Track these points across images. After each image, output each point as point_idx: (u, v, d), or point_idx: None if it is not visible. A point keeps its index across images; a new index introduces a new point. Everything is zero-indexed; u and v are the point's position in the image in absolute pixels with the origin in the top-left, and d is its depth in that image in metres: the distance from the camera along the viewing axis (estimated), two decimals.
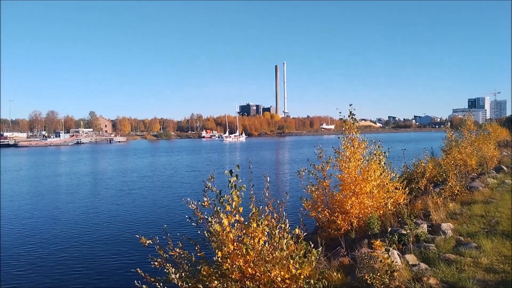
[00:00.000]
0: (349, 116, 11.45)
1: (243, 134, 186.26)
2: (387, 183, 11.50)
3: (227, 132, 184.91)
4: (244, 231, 5.84)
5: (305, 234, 6.66)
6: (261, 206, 6.07)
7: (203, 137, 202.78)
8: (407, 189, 12.33)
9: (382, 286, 5.95)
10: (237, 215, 5.82)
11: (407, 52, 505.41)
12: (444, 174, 14.99)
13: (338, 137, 11.79)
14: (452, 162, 16.43)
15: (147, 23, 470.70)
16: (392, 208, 11.29)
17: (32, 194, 30.78)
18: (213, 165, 51.49)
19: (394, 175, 12.42)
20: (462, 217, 10.45)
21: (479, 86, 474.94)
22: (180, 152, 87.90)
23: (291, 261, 5.58)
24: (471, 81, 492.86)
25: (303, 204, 10.99)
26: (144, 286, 5.87)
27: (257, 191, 6.29)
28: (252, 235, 5.74)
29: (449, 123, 27.26)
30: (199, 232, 6.16)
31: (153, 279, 6.00)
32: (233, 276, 5.59)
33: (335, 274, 6.89)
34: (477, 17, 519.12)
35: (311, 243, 6.14)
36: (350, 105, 11.52)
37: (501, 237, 8.38)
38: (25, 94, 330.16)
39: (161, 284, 5.89)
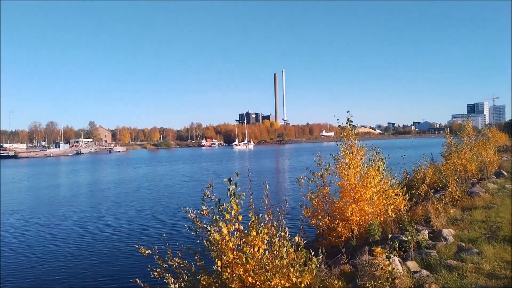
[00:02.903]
0: (347, 123, 11.46)
1: (251, 142, 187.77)
2: (387, 190, 11.47)
3: (236, 140, 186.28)
4: (243, 239, 5.81)
5: (305, 242, 6.63)
6: (261, 214, 6.04)
7: (203, 145, 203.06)
8: (407, 195, 12.30)
9: None
10: (236, 223, 5.79)
11: (405, 58, 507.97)
12: (444, 180, 14.96)
13: (337, 144, 11.79)
14: (452, 167, 16.41)
15: (145, 32, 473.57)
16: (392, 214, 11.25)
17: (31, 205, 30.66)
18: (226, 174, 51.38)
19: (394, 181, 12.39)
20: (463, 222, 10.41)
21: (477, 91, 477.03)
22: (183, 161, 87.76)
23: (292, 269, 5.54)
24: (469, 86, 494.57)
25: (303, 212, 10.96)
26: None
27: (257, 199, 6.27)
28: (252, 243, 5.71)
29: (448, 129, 27.38)
30: (198, 241, 6.13)
31: None
32: (233, 286, 5.54)
33: (336, 282, 6.84)
34: (475, 21, 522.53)
35: (311, 251, 6.11)
36: (348, 111, 11.54)
37: (502, 243, 8.34)
38: (25, 105, 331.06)
39: None
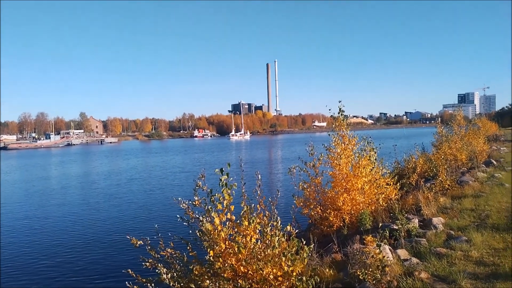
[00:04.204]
0: (338, 113, 11.47)
1: (248, 133, 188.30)
2: (378, 179, 11.55)
3: (233, 131, 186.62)
4: (236, 229, 5.82)
5: (297, 231, 6.66)
6: (253, 204, 6.05)
7: (196, 136, 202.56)
8: (398, 184, 12.40)
9: (374, 282, 5.98)
10: (228, 213, 5.79)
11: (397, 49, 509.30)
12: (434, 169, 15.11)
13: (329, 134, 11.81)
14: (443, 157, 16.55)
15: (136, 23, 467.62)
16: (383, 203, 11.35)
17: (19, 198, 30.33)
18: (219, 165, 51.27)
19: (385, 170, 12.48)
20: (452, 211, 10.55)
21: (468, 81, 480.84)
22: (175, 152, 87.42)
23: (283, 258, 5.57)
24: (460, 77, 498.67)
25: (295, 202, 11.01)
26: (135, 287, 5.83)
27: (249, 190, 6.27)
28: (244, 233, 5.72)
29: (439, 119, 27.61)
30: (190, 231, 6.12)
31: (144, 280, 5.96)
32: (225, 275, 5.57)
33: (327, 270, 6.91)
34: (466, 12, 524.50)
35: (303, 240, 6.15)
36: (339, 101, 11.54)
37: (491, 230, 8.48)
38: (15, 95, 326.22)
39: (153, 284, 5.84)
